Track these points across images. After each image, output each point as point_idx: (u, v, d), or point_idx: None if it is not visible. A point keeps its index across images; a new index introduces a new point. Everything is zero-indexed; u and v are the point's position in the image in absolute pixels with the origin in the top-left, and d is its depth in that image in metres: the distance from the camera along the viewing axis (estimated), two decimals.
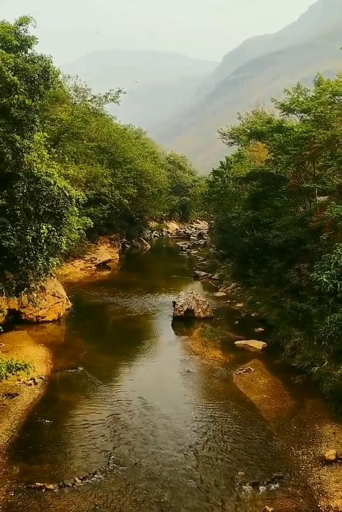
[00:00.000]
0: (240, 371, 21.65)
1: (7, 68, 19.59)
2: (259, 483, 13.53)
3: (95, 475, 13.57)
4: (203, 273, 45.10)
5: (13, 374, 15.22)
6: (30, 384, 19.07)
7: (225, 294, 37.06)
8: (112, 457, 14.59)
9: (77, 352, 23.55)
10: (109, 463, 14.25)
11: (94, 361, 22.43)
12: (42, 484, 12.90)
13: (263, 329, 27.24)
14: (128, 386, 20.45)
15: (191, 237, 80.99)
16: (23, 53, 21.31)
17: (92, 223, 34.37)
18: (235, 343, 25.27)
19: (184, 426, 16.78)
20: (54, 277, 30.02)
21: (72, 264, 43.71)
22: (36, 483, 12.93)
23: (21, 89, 20.35)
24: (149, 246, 67.91)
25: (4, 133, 20.62)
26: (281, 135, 30.25)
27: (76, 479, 13.28)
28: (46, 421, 16.57)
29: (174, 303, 30.86)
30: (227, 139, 54.98)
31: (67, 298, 30.59)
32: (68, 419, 17.33)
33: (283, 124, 31.75)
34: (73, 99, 46.56)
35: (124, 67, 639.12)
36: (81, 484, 13.14)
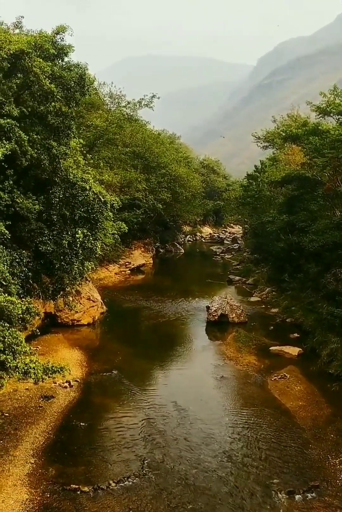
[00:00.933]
0: (275, 377, 21.33)
1: (44, 76, 20.05)
2: (294, 491, 13.27)
3: (130, 479, 13.61)
4: (237, 278, 44.76)
5: (49, 377, 15.41)
6: (65, 387, 19.32)
7: (260, 299, 36.65)
8: (146, 461, 14.61)
9: (111, 355, 23.72)
10: (143, 467, 14.27)
11: (128, 365, 22.54)
12: (77, 486, 13.03)
13: (298, 335, 26.78)
14: (162, 390, 20.47)
15: (225, 242, 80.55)
16: (59, 61, 21.75)
17: (127, 227, 34.64)
18: (270, 349, 24.93)
19: (218, 431, 16.64)
20: (89, 281, 30.41)
21: (106, 268, 44.13)
22: (72, 485, 13.07)
23: (58, 97, 20.79)
24: (183, 251, 67.91)
25: (41, 140, 21.10)
26: (317, 138, 29.75)
27: (111, 482, 13.35)
28: (81, 423, 16.74)
29: (208, 307, 30.72)
30: (261, 143, 54.51)
31: (102, 302, 30.88)
32: (102, 422, 17.47)
33: (319, 127, 31.22)
34: (108, 105, 47.19)
35: (159, 73, 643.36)
36: (116, 488, 13.20)
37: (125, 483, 13.43)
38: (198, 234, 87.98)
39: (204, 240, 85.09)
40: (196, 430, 16.71)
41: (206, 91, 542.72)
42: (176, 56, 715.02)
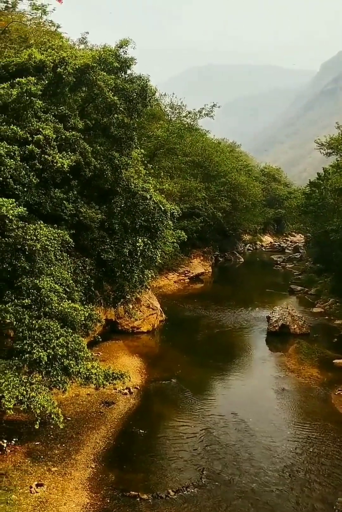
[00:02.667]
0: (339, 392, 20.57)
1: (108, 89, 20.57)
2: None
3: (188, 489, 13.55)
4: (298, 288, 43.70)
5: (110, 383, 15.67)
6: (125, 394, 19.58)
7: (323, 310, 35.54)
8: (205, 471, 14.49)
9: (170, 363, 23.80)
10: (202, 478, 14.16)
11: (187, 374, 22.51)
12: (136, 493, 13.13)
13: None
14: (221, 400, 20.28)
15: (286, 251, 78.92)
16: (122, 74, 22.24)
17: (186, 236, 34.72)
18: (334, 361, 24.08)
19: (279, 445, 16.24)
20: (149, 289, 30.71)
21: (166, 277, 44.45)
22: (131, 492, 13.19)
23: (120, 109, 21.25)
24: (242, 260, 67.20)
25: (104, 151, 21.63)
26: None
27: (170, 491, 13.35)
28: (141, 430, 16.88)
29: (268, 318, 30.18)
30: (325, 150, 52.94)
31: (161, 310, 31.10)
32: (161, 430, 17.54)
33: None
34: (169, 116, 47.71)
35: (219, 81, 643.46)
36: (175, 497, 13.18)
37: (184, 492, 13.39)
38: (258, 242, 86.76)
39: (264, 249, 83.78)
40: (255, 442, 16.41)
41: (266, 98, 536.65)
42: (235, 64, 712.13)
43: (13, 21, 27.29)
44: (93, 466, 14.37)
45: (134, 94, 21.49)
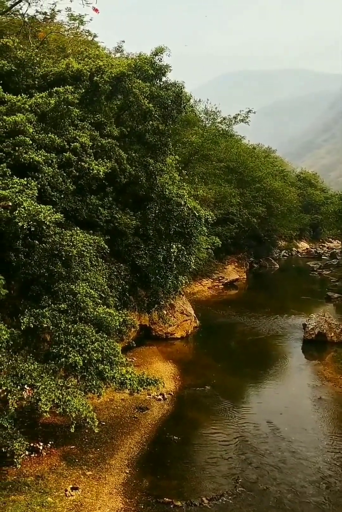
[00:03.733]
0: None
1: (143, 97, 20.77)
2: None
3: (223, 498, 13.41)
4: (336, 295, 42.77)
5: (144, 389, 15.71)
6: (159, 399, 19.59)
7: None
8: (240, 480, 14.32)
9: (204, 370, 23.68)
10: (236, 486, 14.00)
11: (221, 381, 22.34)
12: (170, 500, 13.09)
13: None
14: (256, 408, 20.02)
15: (323, 257, 77.38)
16: (157, 81, 22.41)
17: (220, 242, 34.61)
18: None
19: (315, 455, 15.89)
20: (183, 295, 30.72)
21: (200, 283, 44.33)
22: (165, 499, 13.15)
23: (155, 115, 21.40)
24: (277, 266, 66.33)
25: (139, 157, 21.82)
26: None
27: (204, 499, 13.25)
28: (175, 437, 16.84)
29: (304, 325, 29.66)
30: None
31: (195, 316, 31.02)
32: (195, 437, 17.45)
33: None
34: (204, 122, 47.70)
35: (254, 87, 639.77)
36: (208, 505, 13.07)
37: (218, 501, 13.26)
38: (294, 249, 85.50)
39: (300, 255, 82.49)
40: (291, 452, 16.11)
41: (303, 103, 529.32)
42: (271, 69, 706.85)
43: (51, 32, 27.91)
44: (127, 471, 14.42)
45: (169, 101, 21.61)
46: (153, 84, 22.12)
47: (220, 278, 47.78)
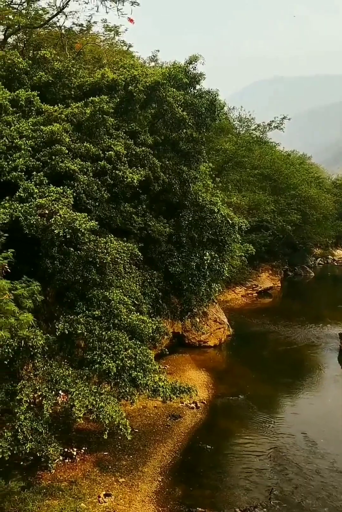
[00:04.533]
0: None
1: (177, 105, 20.84)
2: None
3: (256, 509, 13.21)
4: None
5: (177, 396, 15.68)
6: (192, 408, 19.50)
7: None
8: (274, 492, 14.08)
9: (238, 379, 23.46)
10: (270, 498, 13.77)
11: (255, 390, 22.07)
12: (203, 510, 12.99)
13: None
14: (290, 419, 19.67)
15: None
16: (191, 89, 22.44)
17: (254, 249, 34.21)
18: None
19: None
20: (216, 303, 30.55)
21: (233, 291, 44.01)
22: (198, 508, 13.06)
23: (189, 123, 21.43)
24: (313, 274, 65.19)
25: (173, 165, 21.87)
26: None
27: (237, 510, 13.09)
28: (207, 446, 16.73)
29: (340, 335, 29.01)
30: None
31: (228, 324, 30.81)
32: (229, 447, 17.29)
33: None
34: (238, 129, 47.53)
35: (289, 93, 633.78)
36: None
37: None
38: (330, 257, 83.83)
39: (336, 264, 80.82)
40: (327, 465, 15.76)
41: (339, 109, 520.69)
42: (306, 75, 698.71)
43: (87, 43, 28.41)
44: (160, 480, 14.39)
45: (203, 108, 21.59)
46: (187, 92, 22.15)
47: (254, 286, 47.31)
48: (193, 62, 22.14)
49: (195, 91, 22.61)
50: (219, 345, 28.78)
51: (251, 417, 19.50)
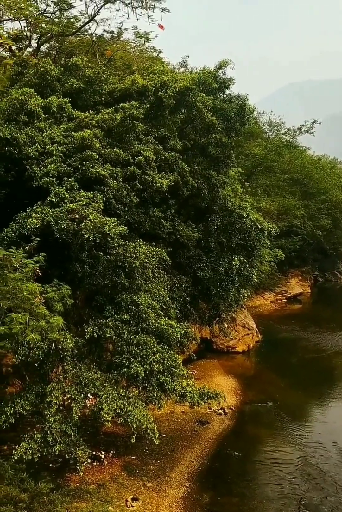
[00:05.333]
0: None
1: (206, 110, 20.86)
2: None
3: None
4: None
5: (205, 402, 15.62)
6: (220, 414, 19.38)
7: None
8: (303, 502, 13.85)
9: (266, 385, 23.19)
10: (299, 508, 13.55)
11: (284, 397, 21.77)
12: None
13: None
14: (320, 428, 19.32)
15: None
16: (221, 94, 22.44)
17: (283, 255, 33.83)
18: None
19: None
20: (244, 309, 30.33)
21: (262, 296, 43.60)
22: None
23: (219, 128, 21.42)
24: None
25: (202, 170, 21.88)
26: None
27: None
28: (235, 453, 16.58)
29: None
30: None
31: (257, 330, 30.50)
32: (257, 454, 17.10)
33: None
34: (267, 134, 47.19)
35: (320, 97, 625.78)
36: None
37: None
38: None
39: None
40: None
41: None
42: (337, 78, 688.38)
43: (118, 50, 28.76)
44: (188, 485, 14.34)
45: (233, 113, 21.56)
46: (216, 97, 22.15)
47: (283, 291, 46.78)
48: (223, 67, 22.14)
49: (224, 96, 22.62)
50: (247, 351, 28.53)
51: (280, 425, 19.25)
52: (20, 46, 25.42)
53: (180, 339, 16.46)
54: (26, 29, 25.12)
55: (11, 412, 12.62)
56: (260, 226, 22.86)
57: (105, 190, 16.82)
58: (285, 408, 20.52)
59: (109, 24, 35.00)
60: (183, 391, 14.92)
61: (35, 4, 24.46)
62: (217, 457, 16.30)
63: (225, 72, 22.19)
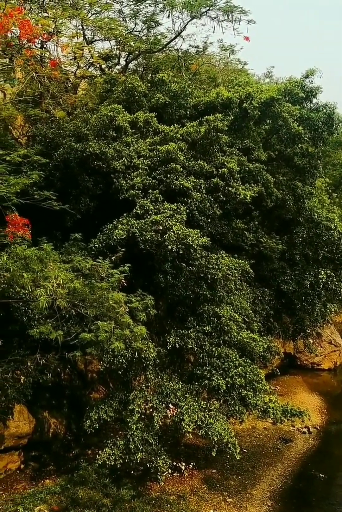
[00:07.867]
0: None
1: (292, 120, 20.44)
2: None
3: None
4: None
5: (288, 419, 15.18)
6: (304, 433, 18.73)
7: None
8: None
9: None
10: None
11: None
12: None
13: None
14: None
15: None
16: (308, 103, 21.90)
17: None
18: None
19: None
20: (331, 324, 29.17)
21: None
22: None
23: (305, 138, 20.91)
24: None
25: (287, 181, 21.41)
26: None
27: None
28: (320, 474, 15.92)
29: None
30: None
31: None
32: None
33: None
34: None
35: None
36: None
37: None
38: None
39: None
40: None
41: None
42: None
43: (203, 63, 29.03)
44: (269, 504, 13.98)
45: (320, 122, 20.94)
46: (303, 107, 21.65)
47: None
48: (310, 76, 21.60)
49: (311, 105, 22.03)
50: (334, 368, 27.38)
51: None
52: (110, 65, 26.44)
53: (262, 353, 16.15)
54: (115, 47, 26.08)
55: (96, 417, 13.05)
56: None
57: (189, 202, 16.96)
58: None
59: (195, 39, 35.29)
60: (265, 406, 14.60)
61: (124, 23, 25.37)
62: (300, 477, 15.75)
63: (312, 81, 21.65)
